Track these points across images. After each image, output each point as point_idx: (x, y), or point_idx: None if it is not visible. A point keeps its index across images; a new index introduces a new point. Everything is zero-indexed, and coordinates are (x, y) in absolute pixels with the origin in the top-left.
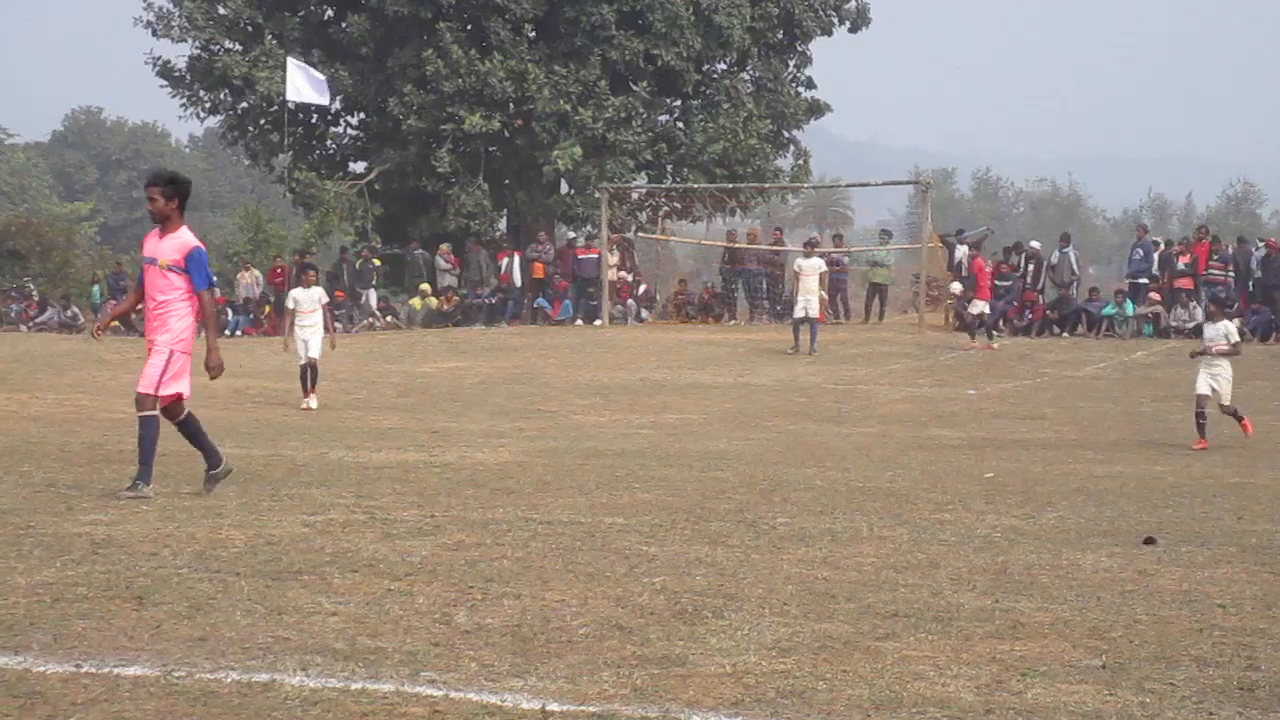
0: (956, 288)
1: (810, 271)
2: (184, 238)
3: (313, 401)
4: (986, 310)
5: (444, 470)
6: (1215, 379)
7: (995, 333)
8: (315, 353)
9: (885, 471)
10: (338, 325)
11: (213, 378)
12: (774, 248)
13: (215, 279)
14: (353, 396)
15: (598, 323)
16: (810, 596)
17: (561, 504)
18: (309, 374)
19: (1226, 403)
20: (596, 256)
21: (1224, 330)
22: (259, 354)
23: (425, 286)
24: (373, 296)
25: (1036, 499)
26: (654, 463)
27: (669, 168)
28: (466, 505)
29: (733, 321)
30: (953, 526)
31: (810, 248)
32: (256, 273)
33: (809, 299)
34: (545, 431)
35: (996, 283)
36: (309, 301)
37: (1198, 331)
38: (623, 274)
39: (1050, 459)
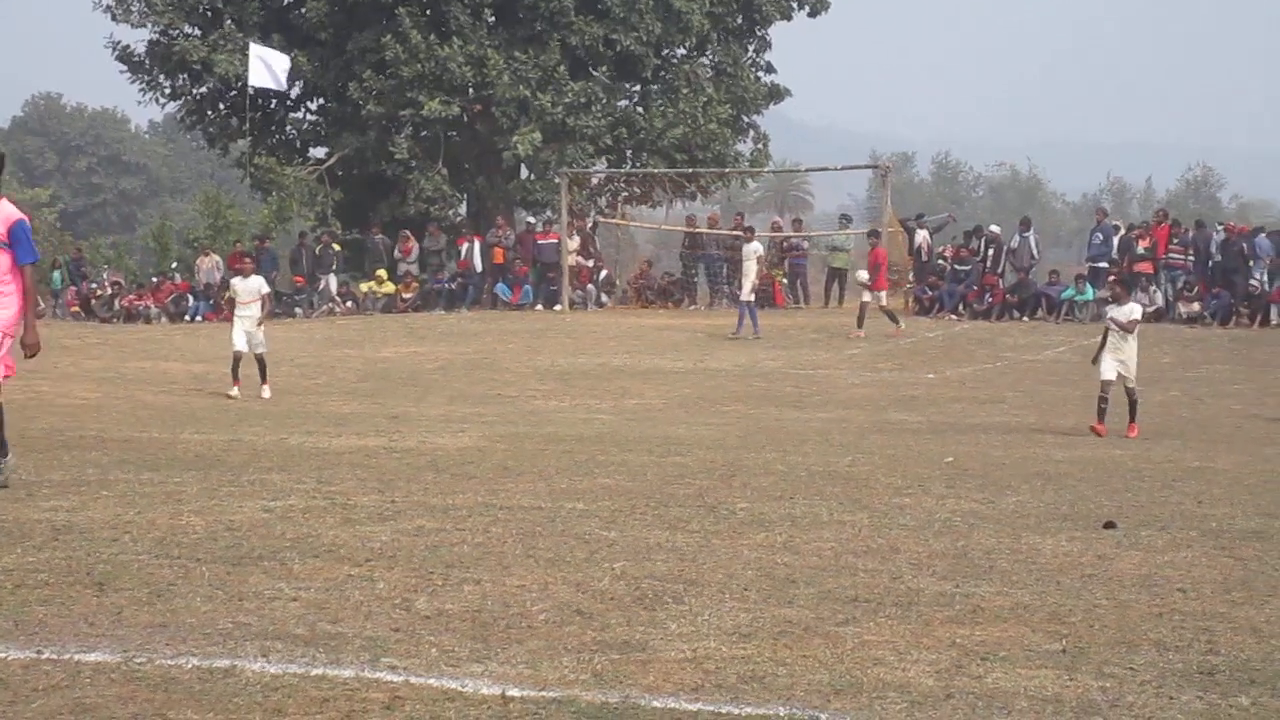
0: (863, 275)
1: (748, 256)
2: (5, 210)
3: (266, 391)
4: (884, 300)
5: (404, 455)
6: (1123, 363)
7: (953, 316)
8: (259, 346)
9: (845, 456)
10: (297, 312)
11: (29, 356)
12: (734, 232)
13: (40, 254)
14: (313, 382)
15: (558, 308)
16: (770, 582)
17: (521, 489)
18: (251, 363)
19: (1132, 383)
20: (556, 241)
21: (1127, 314)
22: (219, 340)
23: (382, 272)
24: (333, 282)
25: (996, 483)
26: (614, 448)
27: (629, 153)
28: (427, 490)
29: (693, 307)
30: (912, 511)
31: (749, 232)
32: (216, 258)
33: (745, 284)
34: (505, 416)
35: (955, 267)
36: (246, 291)
37: (1157, 316)
38: (582, 259)
39: (1010, 443)
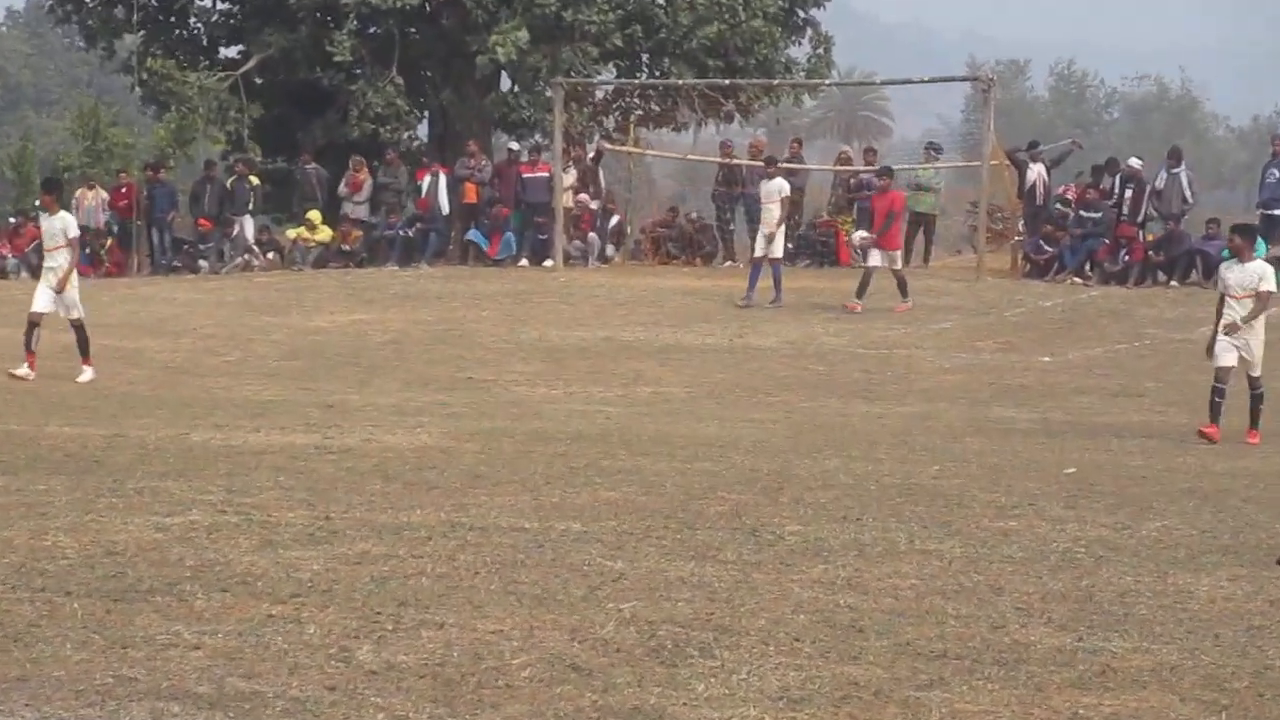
0: (860, 236)
1: (769, 197)
2: None
3: (86, 374)
4: (898, 263)
5: (343, 458)
6: (1245, 345)
7: (1076, 279)
8: (73, 310)
9: (931, 465)
10: (202, 266)
11: None
12: (788, 165)
13: None
14: (222, 359)
15: (548, 263)
16: (830, 630)
17: (499, 504)
18: (61, 330)
19: (1257, 372)
20: (547, 176)
21: (1256, 274)
22: (101, 301)
23: (314, 214)
24: (249, 225)
25: (1133, 503)
26: (622, 450)
27: (645, 58)
28: (373, 505)
29: (728, 263)
30: (1021, 539)
31: (772, 164)
32: (102, 193)
33: (767, 233)
34: (478, 407)
35: (1081, 214)
36: (51, 235)
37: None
38: (583, 199)
39: (1152, 450)
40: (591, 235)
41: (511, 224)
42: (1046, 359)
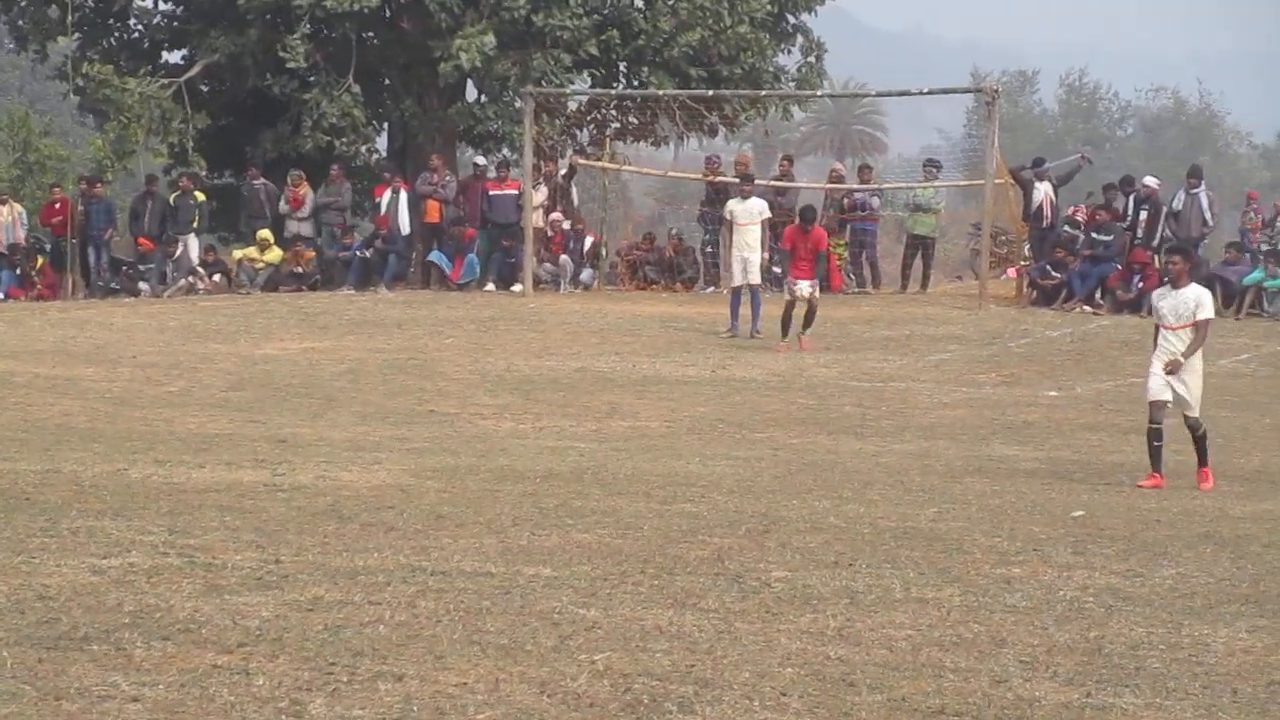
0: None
1: (747, 218)
2: None
3: None
4: (807, 292)
5: (294, 496)
6: (1182, 382)
7: (1086, 307)
8: None
9: (928, 507)
10: (142, 289)
11: None
12: (776, 183)
13: None
14: (164, 389)
15: (517, 288)
16: (819, 684)
17: (462, 547)
18: None
19: (1194, 413)
20: (516, 193)
21: (1192, 301)
22: (32, 325)
23: (265, 233)
24: (193, 245)
25: (1146, 548)
26: (596, 490)
27: (622, 66)
28: (326, 547)
29: (710, 289)
30: (1025, 587)
31: (748, 183)
32: (18, 208)
33: (748, 258)
34: (440, 442)
35: (1092, 236)
36: None
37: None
38: (555, 218)
39: (1166, 492)
40: (564, 258)
41: (477, 245)
42: (1053, 393)
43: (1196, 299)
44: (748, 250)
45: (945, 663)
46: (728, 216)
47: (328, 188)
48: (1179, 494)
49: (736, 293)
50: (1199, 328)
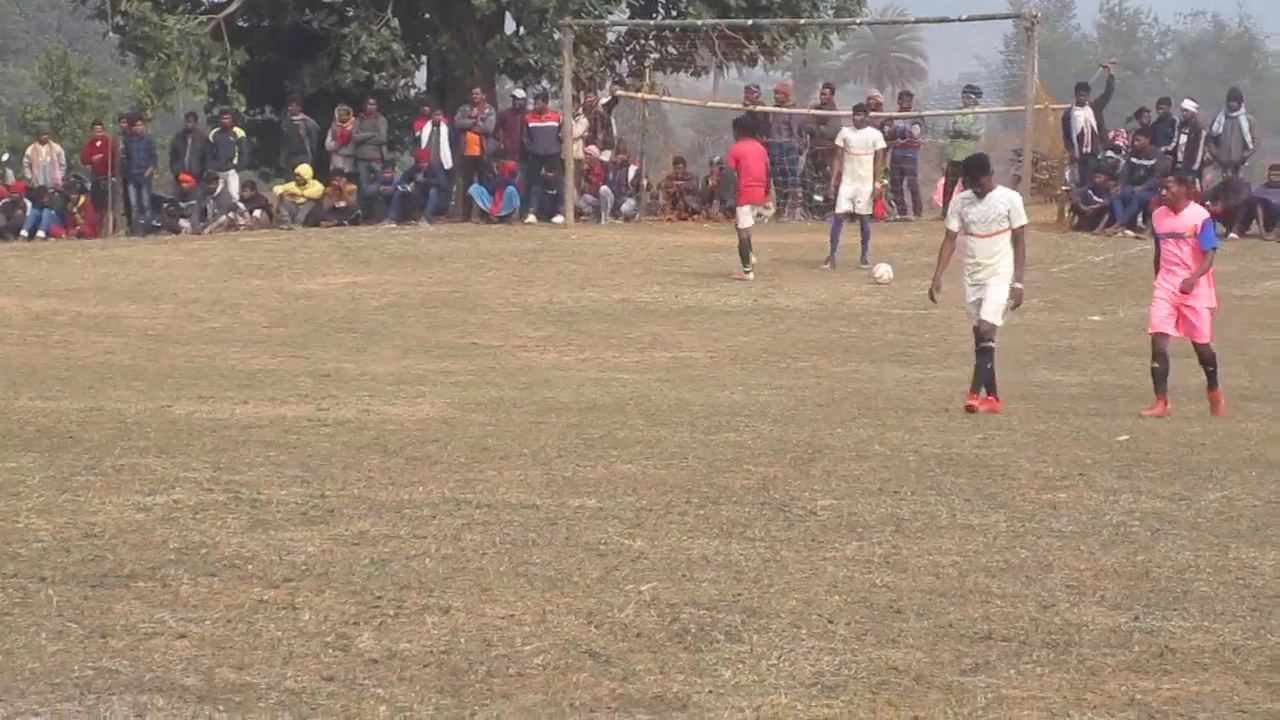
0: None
1: (862, 148)
2: None
3: None
4: (750, 221)
5: (338, 430)
6: (981, 288)
7: (1128, 232)
8: None
9: (973, 433)
10: (183, 226)
11: None
12: (817, 111)
13: None
14: (206, 326)
15: (558, 220)
16: (866, 611)
17: (508, 479)
18: None
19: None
20: (555, 125)
21: (1000, 205)
22: (74, 264)
23: (303, 169)
24: (234, 182)
25: (1192, 472)
26: (640, 420)
27: None
28: (371, 481)
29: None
30: (1071, 512)
31: (861, 113)
32: (57, 148)
33: (859, 188)
34: (484, 375)
35: (1133, 161)
36: None
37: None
38: (593, 150)
39: (1210, 416)
40: (604, 189)
41: (518, 177)
42: (1096, 318)
43: (1010, 201)
44: (859, 181)
45: (992, 588)
46: (840, 145)
47: (363, 122)
48: (1222, 418)
49: (839, 220)
50: (1017, 233)
